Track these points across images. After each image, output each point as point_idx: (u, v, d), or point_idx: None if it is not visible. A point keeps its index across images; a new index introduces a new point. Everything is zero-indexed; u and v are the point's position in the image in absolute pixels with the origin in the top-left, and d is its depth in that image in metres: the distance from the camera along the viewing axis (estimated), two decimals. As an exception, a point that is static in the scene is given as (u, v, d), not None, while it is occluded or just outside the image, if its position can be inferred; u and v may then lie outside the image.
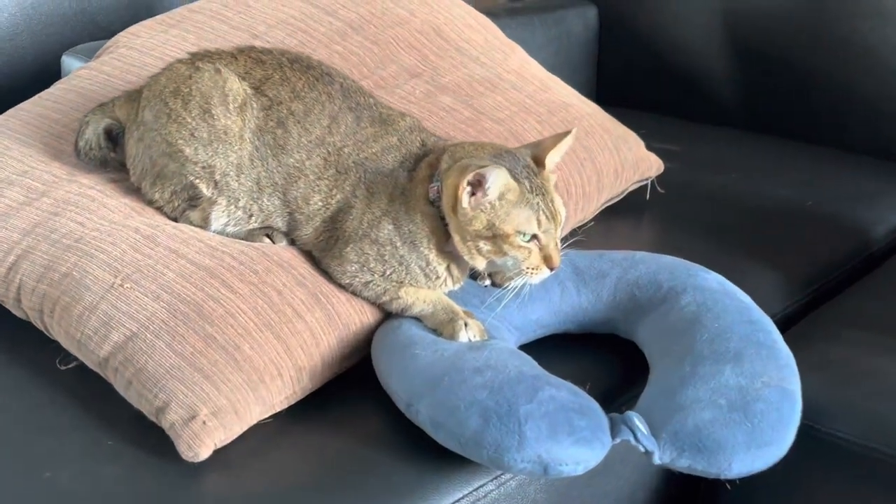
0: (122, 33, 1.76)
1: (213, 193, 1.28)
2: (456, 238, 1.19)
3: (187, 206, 1.31)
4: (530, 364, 1.12)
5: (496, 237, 1.16)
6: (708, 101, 2.32)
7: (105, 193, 1.35)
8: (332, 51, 1.67)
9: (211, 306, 1.16)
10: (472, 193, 1.16)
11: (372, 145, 1.26)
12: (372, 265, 1.23)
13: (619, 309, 1.25)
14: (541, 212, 1.16)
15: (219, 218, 1.27)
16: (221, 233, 1.31)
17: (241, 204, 1.28)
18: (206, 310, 1.15)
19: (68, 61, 1.94)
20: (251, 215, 1.29)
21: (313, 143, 1.26)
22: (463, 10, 1.91)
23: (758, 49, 2.21)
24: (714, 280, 1.27)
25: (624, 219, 1.72)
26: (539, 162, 1.20)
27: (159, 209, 1.33)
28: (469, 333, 1.18)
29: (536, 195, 1.16)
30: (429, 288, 1.25)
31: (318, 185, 1.26)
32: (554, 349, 1.31)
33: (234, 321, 1.13)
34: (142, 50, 1.66)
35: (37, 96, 1.65)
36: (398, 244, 1.22)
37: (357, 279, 1.24)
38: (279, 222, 1.30)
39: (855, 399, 1.24)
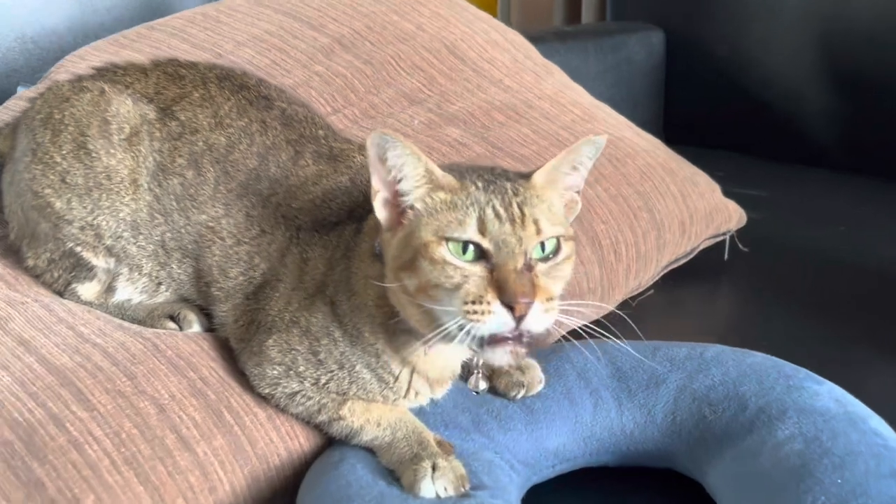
0: (68, 56, 1.48)
1: (108, 263, 0.93)
2: (389, 292, 0.79)
3: (72, 278, 0.95)
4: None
5: (416, 256, 0.75)
6: (800, 139, 2.03)
7: (-25, 257, 1.00)
8: (311, 72, 1.35)
9: (50, 432, 0.78)
10: (395, 205, 0.77)
11: (311, 189, 0.89)
12: (301, 368, 0.83)
13: (680, 436, 0.86)
14: (489, 208, 0.74)
15: (123, 289, 0.96)
16: (125, 303, 0.96)
17: (145, 270, 0.93)
18: (41, 438, 0.77)
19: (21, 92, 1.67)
20: (160, 283, 0.93)
21: (234, 194, 0.89)
22: (487, 25, 1.55)
23: (861, 77, 1.93)
24: (829, 396, 0.83)
25: (694, 287, 1.41)
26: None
27: (38, 278, 0.97)
28: (437, 485, 0.76)
29: (489, 193, 0.75)
30: (385, 401, 0.84)
31: (237, 253, 0.88)
32: (581, 493, 0.88)
33: (78, 457, 0.76)
34: (82, 75, 1.34)
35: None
36: (337, 336, 0.83)
37: (280, 389, 0.84)
38: (195, 294, 0.93)
39: None
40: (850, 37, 1.93)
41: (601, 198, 1.29)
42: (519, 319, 0.71)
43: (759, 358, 0.91)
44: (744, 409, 0.84)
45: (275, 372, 0.84)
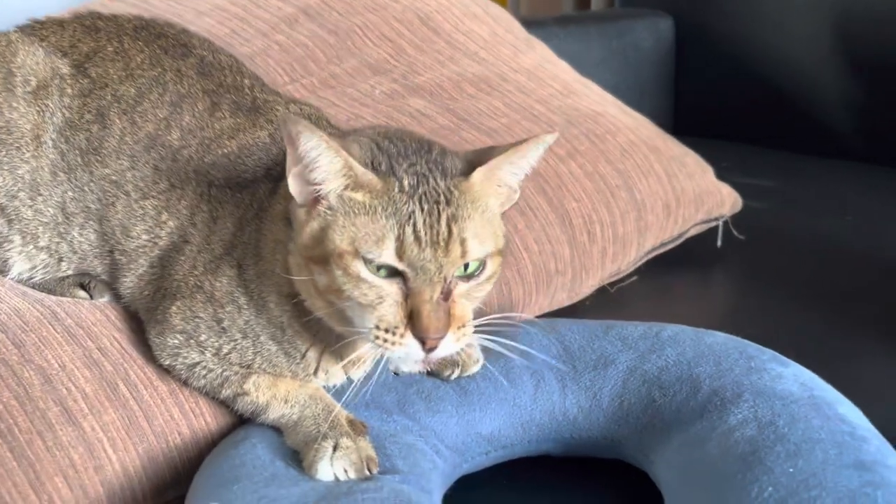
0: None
1: (2, 226, 0.86)
2: (290, 261, 0.72)
3: (-24, 243, 0.88)
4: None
5: (328, 258, 0.68)
6: (814, 128, 1.93)
7: None
8: (270, 41, 1.29)
9: (-81, 401, 0.71)
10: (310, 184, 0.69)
11: (226, 144, 0.81)
12: (202, 337, 0.76)
13: (627, 422, 0.78)
14: (410, 227, 0.66)
15: (18, 262, 0.88)
16: (26, 283, 0.87)
17: (42, 242, 0.85)
18: None
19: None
20: (61, 259, 0.86)
21: (141, 145, 0.82)
22: (466, -4, 1.46)
23: (879, 62, 1.82)
24: (793, 379, 0.74)
25: (683, 275, 1.33)
26: (470, 170, 0.71)
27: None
28: (336, 466, 0.68)
29: (415, 201, 0.67)
30: (294, 377, 0.76)
31: (142, 208, 0.81)
32: (517, 485, 0.80)
33: (-55, 429, 0.67)
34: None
35: None
36: (242, 302, 0.75)
37: (180, 359, 0.77)
38: (99, 267, 0.85)
39: None
40: (867, 21, 1.82)
41: (575, 174, 1.20)
42: (429, 350, 0.67)
43: (720, 338, 0.81)
44: (696, 391, 0.74)
45: (175, 341, 0.77)
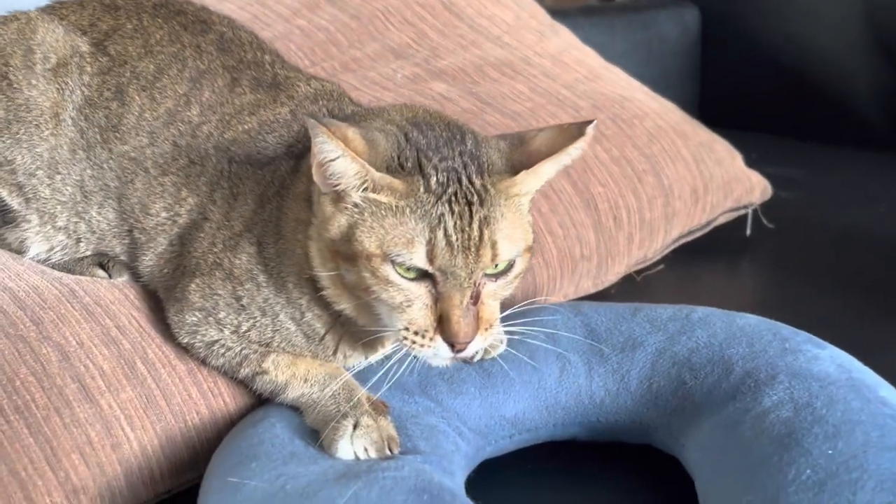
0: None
1: (20, 205, 0.85)
2: (312, 249, 0.70)
3: (1, 222, 0.87)
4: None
5: (356, 257, 0.66)
6: (845, 118, 1.90)
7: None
8: (292, 26, 1.28)
9: (-64, 376, 0.70)
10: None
11: (246, 120, 0.80)
12: (221, 314, 0.75)
13: (656, 405, 0.76)
14: (441, 231, 0.65)
15: (35, 243, 0.86)
16: (44, 264, 0.86)
17: (60, 223, 0.84)
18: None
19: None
20: (79, 239, 0.85)
21: (160, 121, 0.81)
22: (490, -19, 1.44)
23: None
24: (830, 361, 0.71)
25: (710, 263, 1.31)
26: (513, 168, 0.69)
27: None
28: (356, 444, 0.67)
29: (445, 202, 0.65)
30: (314, 357, 0.75)
31: (162, 185, 0.80)
32: (543, 470, 0.77)
33: (-38, 404, 0.66)
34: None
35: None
36: (261, 280, 0.74)
37: (199, 337, 0.76)
38: (118, 247, 0.84)
39: None
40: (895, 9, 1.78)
41: (601, 159, 1.17)
42: (458, 351, 0.68)
43: (752, 320, 0.78)
44: (729, 373, 0.72)
45: (194, 318, 0.75)
